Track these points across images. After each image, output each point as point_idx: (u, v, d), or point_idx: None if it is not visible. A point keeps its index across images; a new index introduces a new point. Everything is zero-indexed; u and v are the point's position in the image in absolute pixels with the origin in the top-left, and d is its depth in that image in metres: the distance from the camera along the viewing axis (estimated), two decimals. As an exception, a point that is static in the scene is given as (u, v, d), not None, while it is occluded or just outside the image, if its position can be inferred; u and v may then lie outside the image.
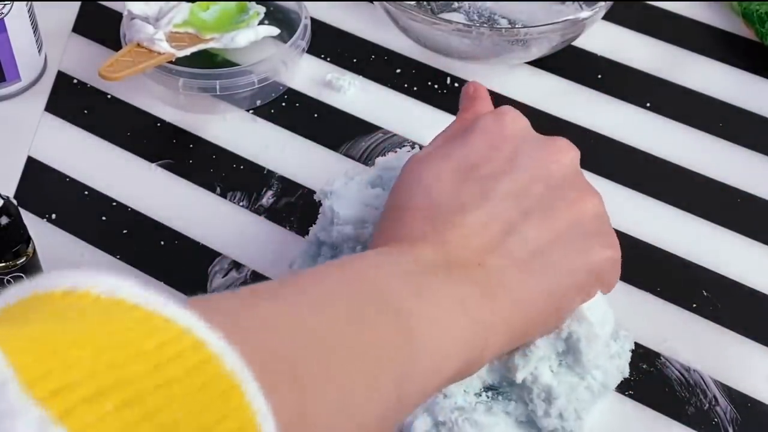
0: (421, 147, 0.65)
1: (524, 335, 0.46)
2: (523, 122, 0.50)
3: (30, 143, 0.65)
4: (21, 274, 0.52)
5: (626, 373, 0.52)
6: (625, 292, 0.57)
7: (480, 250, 0.44)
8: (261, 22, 0.69)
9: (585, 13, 0.66)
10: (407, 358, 0.38)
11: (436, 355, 0.40)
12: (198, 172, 0.63)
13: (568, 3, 0.72)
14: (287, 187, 0.63)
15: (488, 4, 0.74)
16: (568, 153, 0.49)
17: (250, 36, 0.67)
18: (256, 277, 0.58)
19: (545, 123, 0.67)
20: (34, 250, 0.53)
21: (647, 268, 0.58)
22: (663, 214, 0.62)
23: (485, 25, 0.72)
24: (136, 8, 0.67)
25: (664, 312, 0.56)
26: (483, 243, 0.44)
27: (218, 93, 0.65)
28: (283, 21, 0.70)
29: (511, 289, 0.44)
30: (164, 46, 0.64)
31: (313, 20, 0.71)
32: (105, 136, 0.66)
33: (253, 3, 0.70)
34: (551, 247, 0.46)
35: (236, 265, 0.58)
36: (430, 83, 0.70)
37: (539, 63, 0.70)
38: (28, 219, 0.60)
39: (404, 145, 0.65)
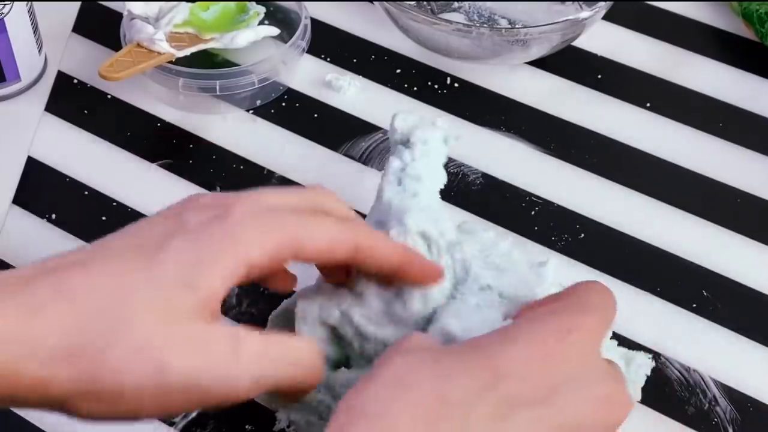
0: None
1: None
2: None
3: (30, 143, 0.65)
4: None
5: (638, 397, 0.51)
6: (626, 292, 0.57)
7: None
8: (261, 22, 0.69)
9: (585, 13, 0.66)
10: None
11: None
12: (198, 172, 0.63)
13: (568, 3, 0.72)
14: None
15: (488, 4, 0.74)
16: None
17: (250, 36, 0.67)
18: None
19: (545, 123, 0.67)
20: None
21: (647, 268, 0.58)
22: (663, 214, 0.62)
23: (485, 25, 0.72)
24: (136, 8, 0.67)
25: (664, 312, 0.56)
26: None
27: (218, 93, 0.65)
28: (283, 21, 0.70)
29: None
30: (164, 46, 0.64)
31: (313, 20, 0.71)
32: (105, 136, 0.66)
33: (253, 3, 0.70)
34: None
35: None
36: (430, 83, 0.70)
37: (539, 63, 0.70)
38: (29, 219, 0.60)
39: None
